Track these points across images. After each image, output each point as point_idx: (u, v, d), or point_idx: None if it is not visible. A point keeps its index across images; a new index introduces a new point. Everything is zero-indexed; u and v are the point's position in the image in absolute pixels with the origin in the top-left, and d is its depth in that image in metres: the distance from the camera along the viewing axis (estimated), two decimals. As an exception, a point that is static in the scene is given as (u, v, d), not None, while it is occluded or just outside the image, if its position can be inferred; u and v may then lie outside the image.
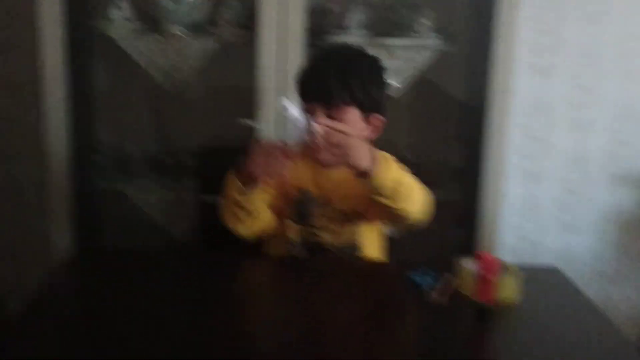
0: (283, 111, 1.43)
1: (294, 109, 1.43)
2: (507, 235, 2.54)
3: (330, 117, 1.51)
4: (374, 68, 1.61)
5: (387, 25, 2.23)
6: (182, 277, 1.53)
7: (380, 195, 1.45)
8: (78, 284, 1.53)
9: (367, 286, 1.48)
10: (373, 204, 1.54)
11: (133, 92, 2.30)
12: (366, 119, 1.58)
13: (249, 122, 2.04)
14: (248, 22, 2.10)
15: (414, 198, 1.50)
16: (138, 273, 1.52)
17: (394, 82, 2.11)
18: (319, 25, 2.15)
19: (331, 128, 1.40)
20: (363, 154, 1.41)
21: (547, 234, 2.61)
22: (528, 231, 2.60)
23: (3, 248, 2.46)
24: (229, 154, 1.95)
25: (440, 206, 2.17)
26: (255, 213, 1.57)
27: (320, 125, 1.40)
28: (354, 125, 1.53)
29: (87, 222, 2.16)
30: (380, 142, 2.19)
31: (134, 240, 2.28)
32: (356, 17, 2.15)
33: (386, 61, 2.03)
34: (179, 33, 2.08)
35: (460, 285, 1.42)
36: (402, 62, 2.13)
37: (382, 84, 1.61)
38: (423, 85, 2.25)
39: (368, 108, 1.56)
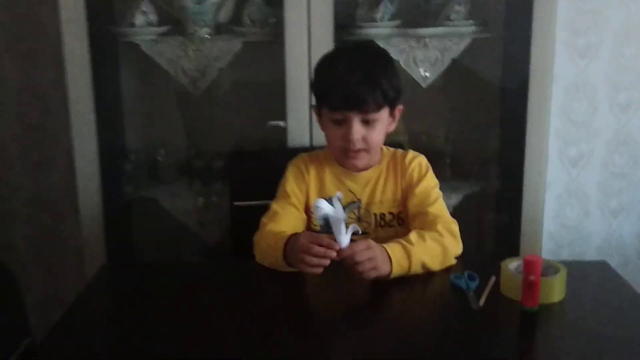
0: (316, 212, 1.37)
1: (326, 207, 1.35)
2: (549, 223, 2.47)
3: (365, 121, 1.52)
4: (389, 61, 1.60)
5: (419, 14, 2.15)
6: (212, 287, 1.51)
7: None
8: (112, 297, 1.53)
9: (409, 289, 1.42)
10: (411, 215, 1.59)
11: (160, 96, 2.27)
12: (391, 113, 1.58)
13: (277, 123, 1.99)
14: (273, 19, 2.04)
15: (448, 251, 1.50)
16: (170, 285, 1.50)
17: (427, 72, 2.04)
18: (347, 18, 2.08)
19: (355, 252, 1.35)
20: (383, 261, 1.39)
21: (592, 220, 2.53)
22: (570, 218, 2.52)
23: (37, 258, 2.46)
24: (259, 156, 2.04)
25: (482, 196, 2.22)
26: None
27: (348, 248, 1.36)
28: (384, 125, 1.57)
29: (119, 230, 2.14)
30: (419, 135, 2.17)
31: (165, 246, 2.25)
32: (386, 7, 2.05)
33: (419, 52, 2.02)
34: (204, 34, 2.03)
35: (505, 289, 1.34)
36: (436, 51, 2.05)
37: (398, 75, 1.60)
38: (459, 72, 2.17)
39: (395, 102, 1.58)
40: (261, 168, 1.90)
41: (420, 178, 1.61)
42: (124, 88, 2.21)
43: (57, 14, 1.93)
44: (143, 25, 2.03)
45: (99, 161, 2.03)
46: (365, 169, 1.63)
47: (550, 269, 1.34)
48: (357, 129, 1.52)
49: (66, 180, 2.31)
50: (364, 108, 1.50)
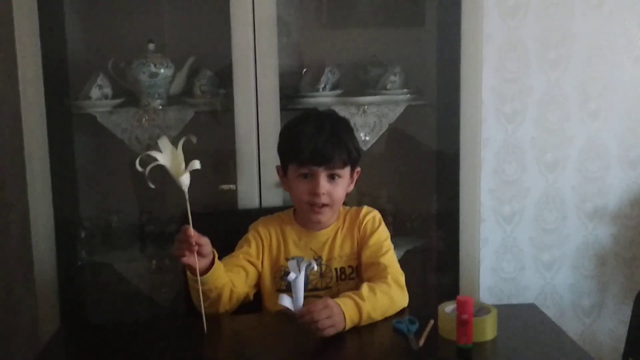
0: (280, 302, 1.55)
1: (286, 301, 1.54)
2: (487, 277, 2.61)
3: (331, 177, 1.66)
4: (349, 126, 1.78)
5: (358, 84, 2.34)
6: (167, 345, 1.56)
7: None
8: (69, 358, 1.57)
9: (356, 335, 1.52)
10: (364, 265, 1.70)
11: (113, 164, 2.36)
12: (351, 174, 1.72)
13: (229, 187, 2.10)
14: (223, 90, 2.17)
15: (395, 303, 1.60)
16: (126, 345, 1.55)
17: (367, 137, 2.19)
18: (292, 88, 2.23)
19: (313, 311, 1.46)
20: (340, 318, 1.48)
21: (528, 273, 2.68)
22: (508, 272, 2.67)
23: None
24: (211, 217, 2.08)
25: (423, 251, 2.33)
26: (215, 292, 1.62)
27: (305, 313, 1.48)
28: (346, 183, 1.71)
29: (75, 296, 2.18)
30: (363, 195, 2.30)
31: (121, 309, 2.30)
32: (328, 78, 2.22)
33: (359, 118, 2.18)
34: (157, 106, 2.15)
35: (442, 329, 1.46)
36: (374, 117, 2.21)
37: (357, 140, 1.78)
38: (397, 137, 2.34)
39: (355, 164, 1.73)
40: (213, 229, 1.96)
41: (373, 231, 1.74)
42: (78, 157, 2.30)
43: (15, 88, 2.02)
44: (99, 98, 2.15)
45: (54, 228, 2.07)
46: (327, 226, 1.75)
47: (482, 310, 1.47)
48: (323, 183, 1.66)
49: (20, 248, 2.35)
50: (331, 164, 1.65)
